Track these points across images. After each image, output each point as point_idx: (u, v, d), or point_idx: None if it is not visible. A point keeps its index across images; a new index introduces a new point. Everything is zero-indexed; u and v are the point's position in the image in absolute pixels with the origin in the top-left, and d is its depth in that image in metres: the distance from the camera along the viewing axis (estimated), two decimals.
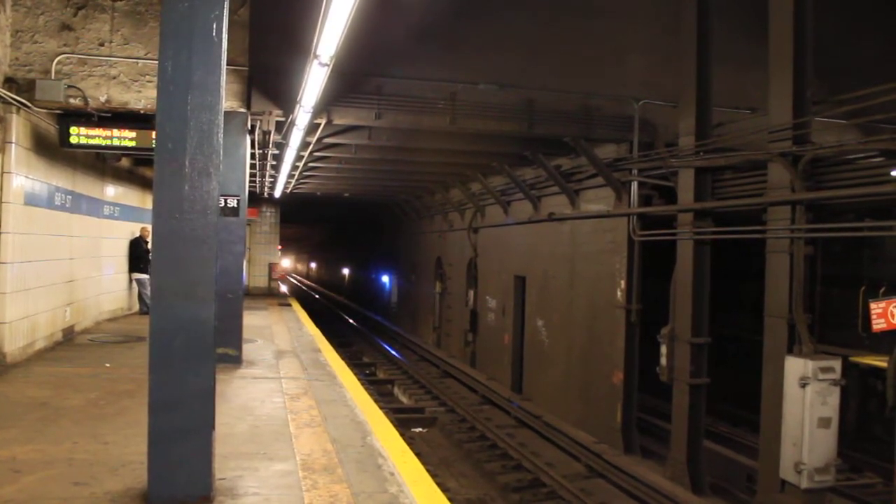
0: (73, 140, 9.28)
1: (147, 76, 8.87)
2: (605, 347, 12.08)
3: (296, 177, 18.14)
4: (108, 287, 13.60)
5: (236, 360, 9.37)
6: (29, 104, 8.56)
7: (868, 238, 11.11)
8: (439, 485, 5.47)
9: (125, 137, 9.36)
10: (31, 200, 9.20)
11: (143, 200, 15.48)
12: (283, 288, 27.00)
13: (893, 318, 7.42)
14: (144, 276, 14.32)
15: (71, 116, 9.18)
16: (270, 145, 12.47)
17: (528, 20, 10.25)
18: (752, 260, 9.56)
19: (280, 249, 57.29)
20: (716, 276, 9.95)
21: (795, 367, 7.59)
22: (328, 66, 6.74)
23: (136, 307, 15.03)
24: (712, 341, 9.89)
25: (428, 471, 5.73)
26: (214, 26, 4.33)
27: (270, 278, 25.23)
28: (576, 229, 13.31)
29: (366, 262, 39.29)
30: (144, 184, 15.40)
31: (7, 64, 8.60)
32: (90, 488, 4.67)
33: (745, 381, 10.11)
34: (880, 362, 8.67)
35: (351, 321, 32.59)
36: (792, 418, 7.60)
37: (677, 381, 9.85)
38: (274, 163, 15.38)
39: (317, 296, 50.68)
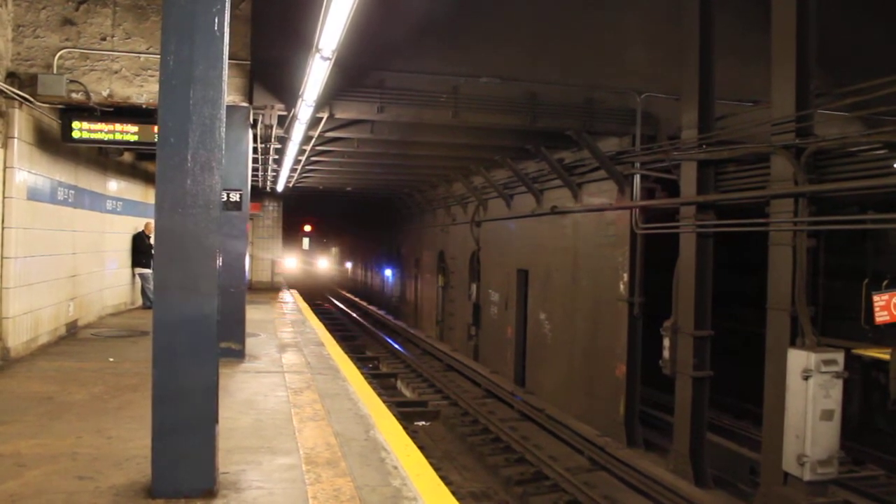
0: (76, 135, 9.30)
1: (149, 70, 8.87)
2: (607, 340, 12.08)
3: (298, 171, 18.14)
4: (112, 282, 13.62)
5: (239, 355, 9.38)
6: (31, 99, 8.56)
7: (871, 231, 11.09)
8: (442, 478, 5.48)
9: (127, 132, 9.37)
10: (33, 195, 9.21)
11: (145, 195, 15.49)
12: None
13: None
14: (147, 271, 14.35)
15: (73, 111, 9.18)
16: (273, 139, 12.47)
17: (531, 13, 10.23)
18: (753, 253, 9.55)
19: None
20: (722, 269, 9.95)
21: (798, 359, 7.58)
22: (330, 59, 6.73)
23: (140, 302, 15.06)
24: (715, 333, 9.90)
25: (431, 464, 5.73)
26: (216, 20, 4.33)
27: (273, 272, 25.24)
28: (578, 223, 13.30)
29: (368, 256, 39.32)
30: (147, 178, 15.41)
31: (9, 59, 8.60)
32: (94, 482, 4.69)
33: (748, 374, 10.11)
34: (883, 355, 8.65)
35: (354, 315, 32.62)
36: (795, 411, 7.60)
37: (680, 374, 9.85)
38: (276, 157, 15.38)
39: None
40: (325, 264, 56.97)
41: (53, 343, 10.05)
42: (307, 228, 49.26)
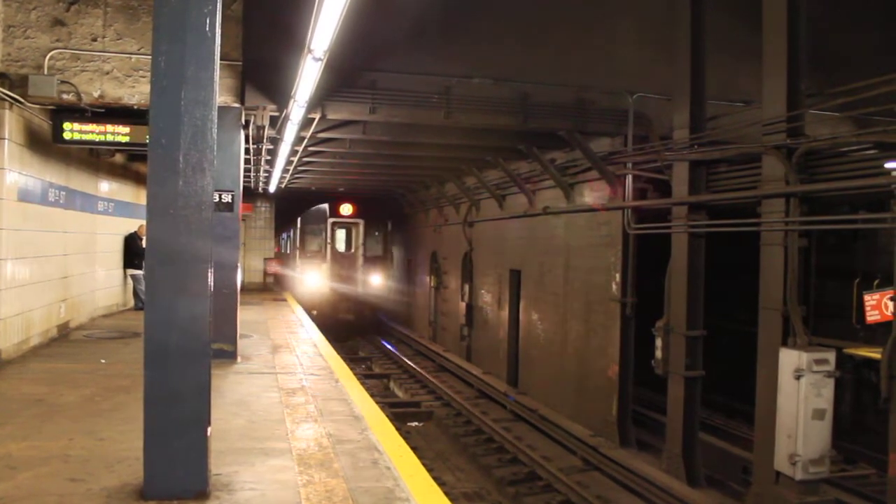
0: (67, 136, 9.27)
1: (141, 71, 8.84)
2: (600, 341, 12.10)
3: (290, 171, 18.10)
4: (103, 283, 13.57)
5: (231, 356, 9.37)
6: (22, 100, 8.53)
7: (862, 230, 11.14)
8: (435, 479, 5.49)
9: (119, 133, 9.34)
10: (24, 196, 9.17)
11: (137, 196, 15.44)
12: None
13: (887, 310, 7.45)
14: (139, 272, 14.30)
15: (64, 112, 9.15)
16: (265, 140, 12.44)
17: (523, 14, 10.23)
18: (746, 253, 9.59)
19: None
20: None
21: (790, 359, 7.61)
22: (322, 60, 6.73)
23: (132, 303, 15.02)
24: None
25: (424, 465, 5.74)
26: (208, 21, 4.33)
27: (265, 273, 25.16)
28: (570, 223, 13.32)
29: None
30: (139, 179, 15.36)
31: None
32: (86, 484, 4.67)
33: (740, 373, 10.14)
34: (874, 354, 8.68)
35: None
36: (786, 410, 7.63)
37: (672, 373, 9.87)
38: (268, 158, 15.34)
39: None
40: (387, 285, 26.73)
41: (45, 345, 10.01)
42: (346, 210, 25.49)
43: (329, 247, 24.76)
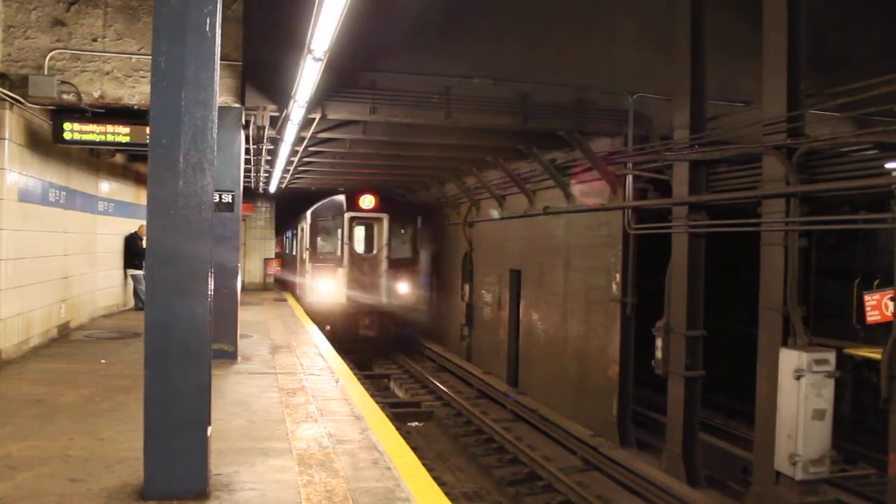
0: (67, 136, 9.28)
1: (141, 71, 8.84)
2: (600, 341, 12.09)
3: (291, 172, 18.10)
4: (104, 283, 13.58)
5: (232, 356, 9.37)
6: (22, 100, 8.53)
7: (862, 230, 11.14)
8: (435, 479, 5.49)
9: (119, 133, 9.36)
10: (25, 197, 9.18)
11: (137, 196, 15.45)
12: None
13: (887, 310, 7.45)
14: (140, 273, 14.31)
15: (64, 112, 9.16)
16: (265, 140, 12.44)
17: (523, 13, 10.24)
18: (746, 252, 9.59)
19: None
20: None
21: (790, 359, 7.60)
22: (322, 60, 6.73)
23: (132, 303, 15.02)
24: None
25: (424, 465, 5.74)
26: (208, 21, 4.33)
27: (265, 273, 25.14)
28: (571, 223, 13.32)
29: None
30: (139, 180, 15.37)
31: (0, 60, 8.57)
32: (86, 484, 4.67)
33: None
34: (874, 354, 8.67)
35: None
36: (787, 410, 7.62)
37: (672, 373, 9.87)
38: (268, 158, 15.35)
39: None
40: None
41: (45, 345, 10.01)
42: (367, 203, 21.22)
43: (346, 248, 20.69)
